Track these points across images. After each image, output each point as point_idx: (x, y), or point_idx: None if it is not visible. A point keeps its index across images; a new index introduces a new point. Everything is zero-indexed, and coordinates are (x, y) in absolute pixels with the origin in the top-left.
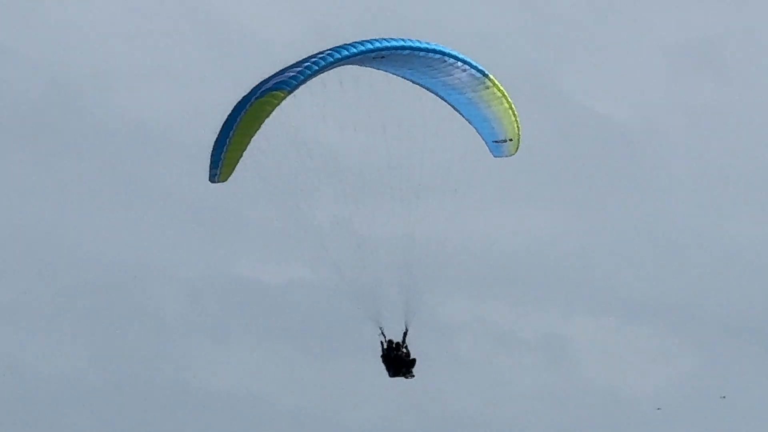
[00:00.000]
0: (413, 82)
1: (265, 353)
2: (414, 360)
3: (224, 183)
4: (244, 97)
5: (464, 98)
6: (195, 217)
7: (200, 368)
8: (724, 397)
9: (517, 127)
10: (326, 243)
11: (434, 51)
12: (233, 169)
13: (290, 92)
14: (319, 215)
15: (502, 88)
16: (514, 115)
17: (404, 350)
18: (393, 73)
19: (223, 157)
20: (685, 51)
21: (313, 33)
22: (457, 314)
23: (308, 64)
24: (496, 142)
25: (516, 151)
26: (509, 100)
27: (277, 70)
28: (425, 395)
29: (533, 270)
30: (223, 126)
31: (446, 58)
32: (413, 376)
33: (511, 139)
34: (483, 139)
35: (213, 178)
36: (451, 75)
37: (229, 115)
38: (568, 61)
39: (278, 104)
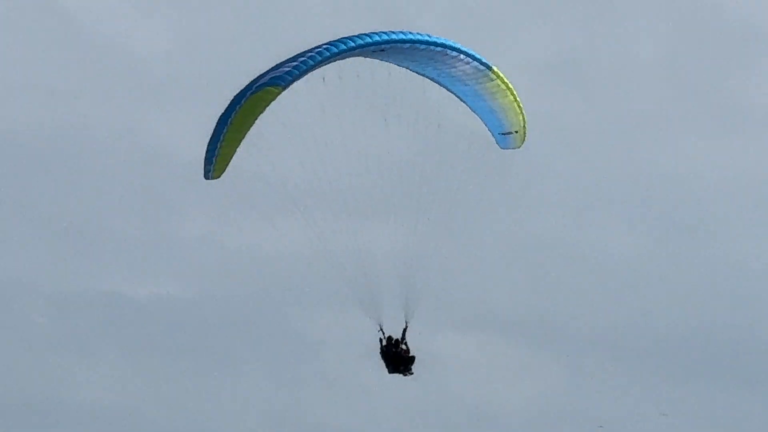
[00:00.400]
0: (417, 73)
1: (131, 367)
2: (413, 357)
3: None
4: (240, 91)
5: (469, 90)
6: (59, 231)
7: (65, 382)
8: (666, 414)
9: (523, 119)
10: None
11: (436, 44)
12: (227, 165)
13: (285, 88)
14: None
15: (506, 80)
16: (519, 107)
17: (403, 347)
18: (396, 65)
19: (217, 153)
20: (548, 68)
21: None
22: (318, 329)
23: (304, 58)
24: (502, 134)
25: (522, 143)
26: (514, 92)
27: (275, 64)
28: (294, 408)
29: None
30: (218, 122)
31: (448, 51)
32: (412, 373)
33: (516, 132)
34: (489, 131)
35: (207, 174)
36: (454, 67)
37: (224, 111)
38: None
39: (273, 100)
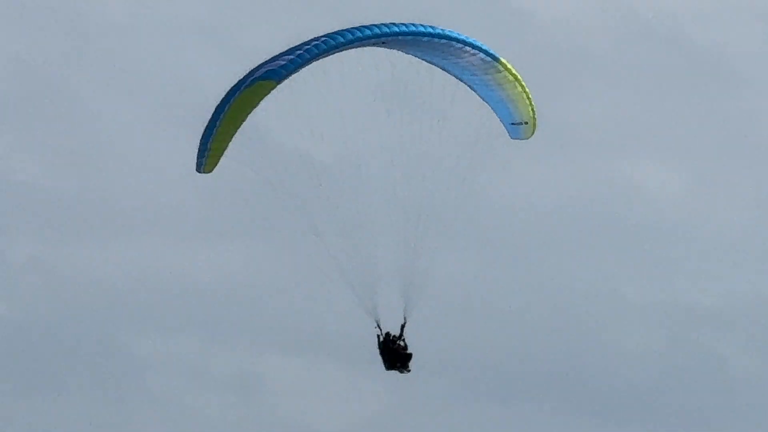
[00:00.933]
0: (425, 61)
1: None
2: (410, 354)
3: None
4: (236, 83)
5: (478, 79)
6: None
7: None
8: None
9: (532, 110)
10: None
11: (440, 36)
12: (218, 160)
13: (279, 82)
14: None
15: (515, 72)
16: (529, 98)
17: (401, 343)
18: (404, 53)
19: (209, 147)
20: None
21: None
22: (145, 349)
23: (301, 51)
24: (513, 124)
25: (532, 134)
26: (522, 83)
27: (273, 55)
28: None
29: (223, 306)
30: (212, 115)
31: (453, 43)
32: (409, 371)
33: (526, 122)
34: (501, 121)
35: (199, 168)
36: (461, 58)
37: (219, 104)
38: None
39: (266, 94)
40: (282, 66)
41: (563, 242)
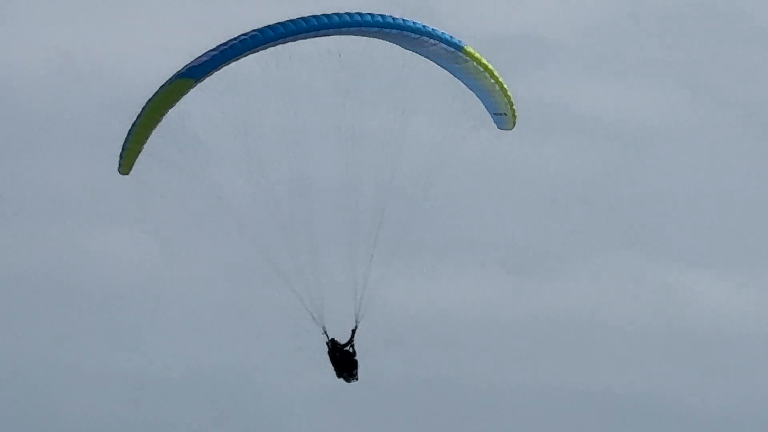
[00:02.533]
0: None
1: None
2: (356, 362)
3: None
4: (165, 81)
5: (451, 68)
6: None
7: None
8: None
9: (509, 101)
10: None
11: (391, 26)
12: (133, 161)
13: (198, 81)
14: None
15: (485, 61)
16: (503, 89)
17: (349, 349)
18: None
19: (125, 147)
20: None
21: None
22: None
23: (225, 48)
24: (495, 114)
25: (514, 126)
26: (494, 74)
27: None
28: None
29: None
30: (138, 113)
31: (406, 33)
32: (357, 379)
33: (505, 114)
34: (487, 110)
35: (118, 169)
36: (425, 48)
37: (145, 102)
38: None
39: (184, 93)
40: (206, 62)
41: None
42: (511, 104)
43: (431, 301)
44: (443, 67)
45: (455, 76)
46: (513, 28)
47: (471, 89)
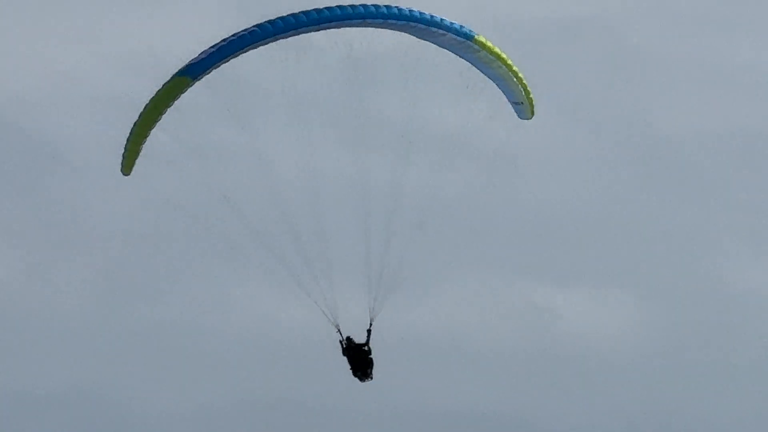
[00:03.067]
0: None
1: None
2: (371, 361)
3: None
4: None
5: (467, 57)
6: None
7: None
8: None
9: (525, 91)
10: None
11: (397, 17)
12: (133, 162)
13: (195, 79)
14: None
15: (497, 50)
16: (518, 78)
17: (365, 348)
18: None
19: (126, 148)
20: None
21: None
22: None
23: (224, 45)
24: (515, 103)
25: (532, 115)
26: (508, 62)
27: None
28: None
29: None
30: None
31: (413, 24)
32: (371, 378)
33: (522, 103)
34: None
35: (121, 170)
36: (435, 38)
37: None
38: None
39: (181, 92)
40: (204, 59)
41: None
42: (527, 93)
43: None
44: (460, 57)
45: (474, 65)
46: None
47: (489, 77)
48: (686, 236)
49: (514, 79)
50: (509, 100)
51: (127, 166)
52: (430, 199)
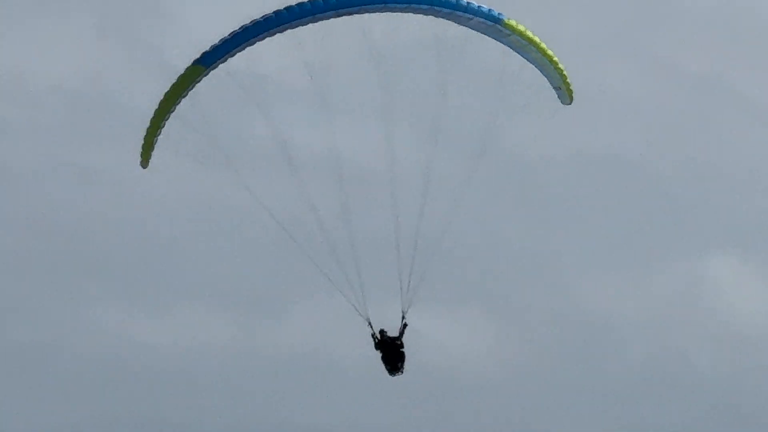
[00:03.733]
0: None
1: None
2: (403, 354)
3: None
4: None
5: (502, 41)
6: None
7: None
8: None
9: (562, 75)
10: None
11: (420, 1)
12: (150, 153)
13: (208, 68)
14: None
15: (529, 34)
16: (552, 62)
17: (398, 342)
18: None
19: (144, 139)
20: None
21: None
22: None
23: (238, 32)
24: (555, 88)
25: (571, 101)
26: (542, 47)
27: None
28: None
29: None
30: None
31: (438, 8)
32: (402, 372)
33: (560, 88)
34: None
35: (140, 162)
36: (465, 22)
37: None
38: None
39: (195, 81)
40: (214, 49)
41: None
42: (564, 78)
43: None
44: (497, 41)
45: (512, 49)
46: None
47: (529, 61)
48: (539, 259)
49: (551, 64)
50: (553, 86)
51: (144, 159)
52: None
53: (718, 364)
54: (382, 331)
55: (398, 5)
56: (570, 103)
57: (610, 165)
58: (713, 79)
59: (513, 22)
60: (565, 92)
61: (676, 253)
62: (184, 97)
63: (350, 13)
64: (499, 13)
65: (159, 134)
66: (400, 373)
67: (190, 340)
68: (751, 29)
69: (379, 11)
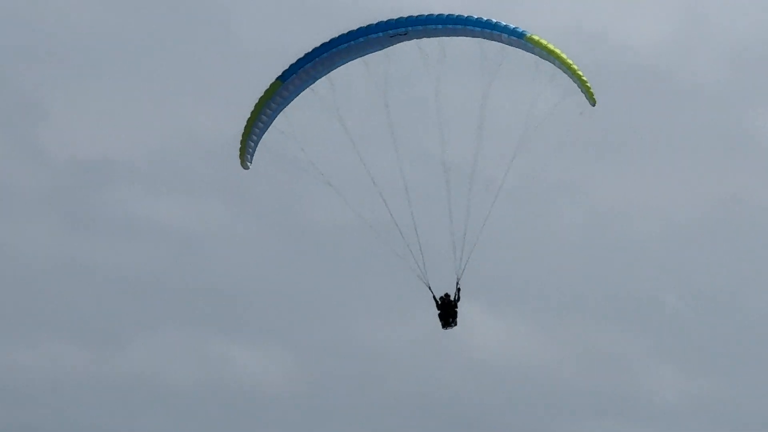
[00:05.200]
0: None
1: None
2: (455, 312)
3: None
4: None
5: (534, 52)
6: None
7: None
8: None
9: (580, 80)
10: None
11: (455, 21)
12: (245, 157)
13: (285, 82)
14: None
15: (551, 47)
16: (571, 69)
17: (453, 302)
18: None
19: (240, 143)
20: None
21: None
22: None
23: (310, 52)
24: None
25: (594, 103)
26: (562, 56)
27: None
28: None
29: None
30: None
31: (469, 28)
32: (455, 324)
33: (584, 92)
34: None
35: (240, 164)
36: (493, 39)
37: None
38: None
39: (274, 94)
40: (290, 66)
41: None
42: (583, 82)
43: None
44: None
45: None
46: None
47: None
48: (331, 301)
49: (571, 71)
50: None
51: (243, 160)
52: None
53: None
54: (446, 295)
55: (437, 26)
56: (594, 105)
57: None
58: None
59: (535, 37)
60: (588, 96)
61: None
62: (267, 107)
63: (410, 37)
64: (522, 30)
65: (251, 140)
66: (451, 326)
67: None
68: None
69: (421, 36)
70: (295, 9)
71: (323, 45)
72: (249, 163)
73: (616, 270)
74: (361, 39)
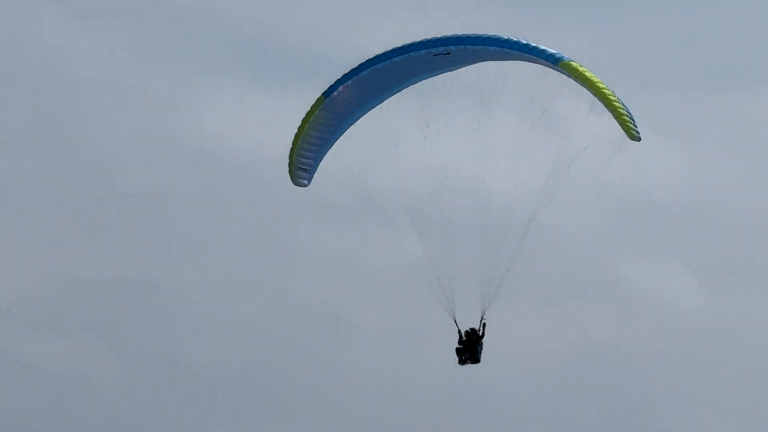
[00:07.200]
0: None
1: None
2: (481, 345)
3: None
4: None
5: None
6: None
7: None
8: None
9: (616, 113)
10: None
11: (492, 42)
12: (294, 173)
13: (327, 97)
14: None
15: (587, 75)
16: (607, 100)
17: (475, 339)
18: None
19: (288, 159)
20: None
21: None
22: None
23: (350, 70)
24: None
25: (636, 137)
26: (597, 85)
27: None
28: None
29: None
30: None
31: (507, 50)
32: (479, 361)
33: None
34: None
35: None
36: (532, 62)
37: None
38: None
39: (317, 108)
40: (333, 83)
41: None
42: (619, 114)
43: None
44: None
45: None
46: None
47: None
48: None
49: (608, 102)
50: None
51: (291, 176)
52: None
53: None
54: (471, 330)
55: (475, 46)
56: (632, 138)
57: None
58: None
59: (572, 63)
60: (630, 129)
61: None
62: (311, 121)
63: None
64: (559, 55)
65: (298, 155)
66: (468, 363)
67: None
68: None
69: (462, 56)
70: None
71: (367, 61)
72: (304, 180)
73: None
74: (404, 56)
